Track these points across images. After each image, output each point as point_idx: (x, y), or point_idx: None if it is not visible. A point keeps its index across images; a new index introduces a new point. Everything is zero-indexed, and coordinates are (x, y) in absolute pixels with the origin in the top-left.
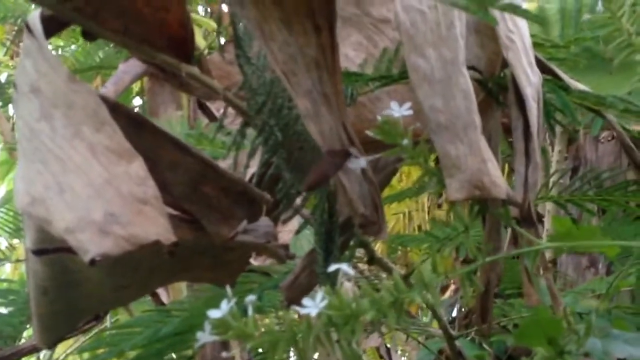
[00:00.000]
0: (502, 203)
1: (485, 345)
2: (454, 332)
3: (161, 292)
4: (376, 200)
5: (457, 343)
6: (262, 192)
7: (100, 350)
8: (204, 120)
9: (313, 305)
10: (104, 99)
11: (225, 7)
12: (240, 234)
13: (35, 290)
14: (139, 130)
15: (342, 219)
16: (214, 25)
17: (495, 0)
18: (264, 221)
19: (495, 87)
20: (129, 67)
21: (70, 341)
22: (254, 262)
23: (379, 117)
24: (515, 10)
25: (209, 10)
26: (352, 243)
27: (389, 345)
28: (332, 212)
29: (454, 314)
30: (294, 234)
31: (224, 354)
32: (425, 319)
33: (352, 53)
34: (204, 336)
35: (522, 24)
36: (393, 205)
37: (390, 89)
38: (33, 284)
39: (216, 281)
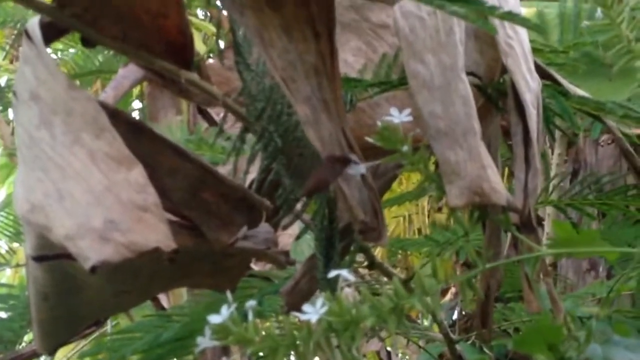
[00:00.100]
0: (502, 209)
1: (486, 350)
2: (454, 336)
3: (162, 296)
4: (376, 207)
5: (458, 347)
6: (262, 198)
7: (101, 356)
8: (203, 125)
9: (313, 311)
10: (104, 106)
11: (224, 12)
12: (240, 240)
13: (35, 296)
14: (138, 137)
15: (342, 225)
16: (213, 29)
17: (495, 9)
18: (264, 227)
19: (495, 93)
20: (129, 72)
21: (71, 346)
22: (255, 267)
23: (378, 123)
24: (515, 19)
25: (208, 14)
26: (352, 248)
27: (389, 349)
28: (332, 218)
29: (454, 317)
30: (295, 239)
31: (225, 359)
32: (425, 323)
33: (351, 58)
34: (205, 341)
35: (521, 30)
36: (393, 208)
37: (390, 94)
38: (33, 289)
39: (216, 287)
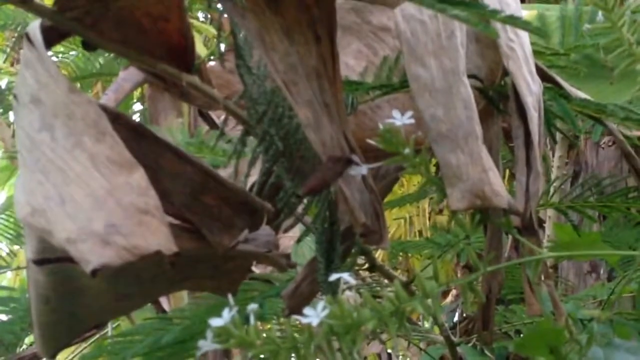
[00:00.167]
0: (503, 212)
1: (487, 352)
2: (455, 339)
3: (163, 299)
4: (377, 209)
5: (459, 349)
6: (263, 201)
7: (102, 358)
8: (204, 128)
9: (314, 314)
10: (105, 109)
11: (225, 14)
12: (241, 243)
13: (36, 300)
14: (139, 140)
15: (344, 228)
16: (214, 31)
17: (496, 13)
18: (265, 230)
19: (496, 96)
20: (129, 75)
21: (72, 348)
22: (256, 269)
23: (379, 125)
24: (516, 22)
25: (209, 16)
26: (353, 251)
27: (390, 351)
28: (333, 221)
29: (455, 319)
30: (296, 242)
31: None
32: (426, 325)
33: (352, 61)
34: (206, 344)
35: (523, 32)
36: (394, 210)
37: (391, 97)
38: (34, 293)
39: (217, 290)
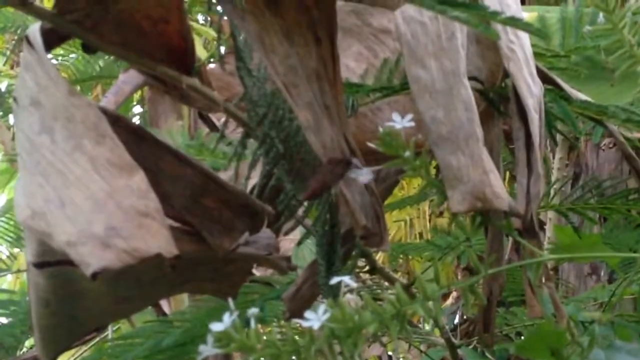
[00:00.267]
0: (504, 214)
1: (487, 354)
2: (456, 341)
3: (163, 302)
4: (378, 212)
5: (460, 352)
6: (264, 203)
7: None
8: (204, 130)
9: (315, 317)
10: (105, 112)
11: (225, 17)
12: (241, 246)
13: (36, 303)
14: (139, 142)
15: (344, 230)
16: (214, 34)
17: (497, 14)
18: (266, 233)
19: (497, 98)
20: (129, 77)
21: (72, 351)
22: (256, 272)
23: (380, 128)
24: (517, 24)
25: (209, 19)
26: (354, 254)
27: (390, 354)
28: (334, 223)
29: (456, 321)
30: (296, 245)
31: None
32: (427, 328)
33: (352, 64)
34: (207, 349)
35: (523, 34)
36: (394, 212)
37: (392, 99)
38: (34, 296)
39: (218, 293)
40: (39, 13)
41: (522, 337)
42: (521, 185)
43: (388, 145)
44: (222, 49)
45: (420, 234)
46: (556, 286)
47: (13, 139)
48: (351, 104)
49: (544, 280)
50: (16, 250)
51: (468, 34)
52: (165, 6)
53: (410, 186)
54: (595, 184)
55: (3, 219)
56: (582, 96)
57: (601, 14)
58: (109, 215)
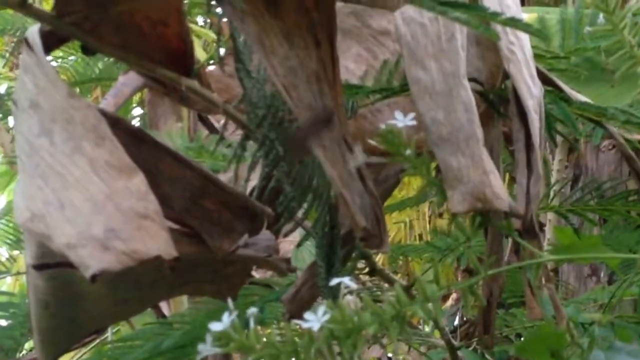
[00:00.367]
0: (504, 215)
1: (487, 356)
2: (456, 343)
3: (162, 304)
4: (378, 213)
5: (460, 353)
6: (263, 205)
7: None
8: (204, 132)
9: (315, 319)
10: (104, 114)
11: (225, 19)
12: (241, 248)
13: (36, 305)
14: (139, 144)
15: (344, 232)
16: (213, 36)
17: (497, 15)
18: (265, 234)
19: (497, 99)
20: (129, 80)
21: (71, 354)
22: (256, 274)
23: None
24: (517, 25)
25: (208, 20)
26: (353, 255)
27: (390, 355)
28: (333, 225)
29: (456, 323)
30: (296, 246)
31: None
32: (427, 329)
33: (352, 65)
34: (206, 349)
35: (523, 35)
36: (394, 214)
37: (391, 100)
38: (34, 298)
39: (217, 295)
40: (38, 15)
41: (522, 339)
42: (521, 186)
43: (389, 143)
44: (222, 51)
45: (420, 236)
46: (556, 287)
47: (12, 141)
48: (351, 105)
49: (543, 282)
50: (16, 252)
51: (468, 36)
52: (165, 8)
53: (410, 188)
54: (595, 185)
55: (2, 221)
56: (582, 97)
57: (601, 15)
58: (108, 217)
